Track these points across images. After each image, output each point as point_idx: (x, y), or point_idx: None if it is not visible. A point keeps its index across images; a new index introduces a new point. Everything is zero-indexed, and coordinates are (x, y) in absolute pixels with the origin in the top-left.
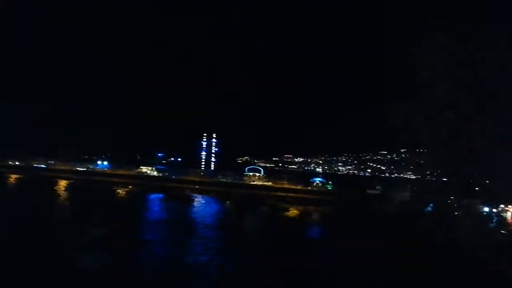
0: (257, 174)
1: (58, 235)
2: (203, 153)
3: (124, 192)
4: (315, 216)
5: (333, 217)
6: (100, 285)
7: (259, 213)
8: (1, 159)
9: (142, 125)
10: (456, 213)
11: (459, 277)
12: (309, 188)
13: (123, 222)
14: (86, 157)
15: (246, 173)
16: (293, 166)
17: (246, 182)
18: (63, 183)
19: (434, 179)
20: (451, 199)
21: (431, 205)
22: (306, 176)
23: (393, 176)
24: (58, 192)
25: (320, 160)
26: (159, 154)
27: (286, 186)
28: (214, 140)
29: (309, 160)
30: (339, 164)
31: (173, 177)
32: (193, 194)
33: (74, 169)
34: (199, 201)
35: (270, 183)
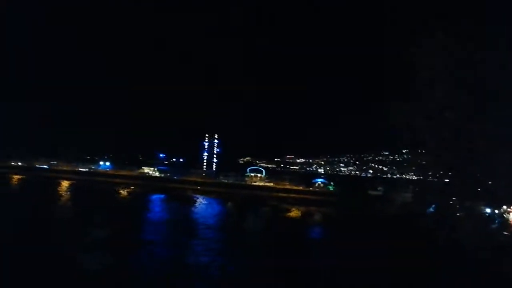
0: (259, 175)
1: (61, 235)
2: (205, 153)
3: (126, 193)
4: (317, 217)
5: (334, 218)
6: (102, 286)
7: (261, 214)
8: (4, 160)
9: (143, 125)
10: (458, 214)
11: (461, 278)
12: (311, 189)
13: (125, 222)
14: (88, 157)
15: (248, 174)
16: (295, 167)
17: (248, 183)
18: (65, 184)
19: (436, 180)
20: (453, 200)
21: (433, 206)
22: (308, 177)
23: (395, 177)
24: (61, 192)
25: (322, 161)
26: (161, 155)
27: (288, 187)
28: (215, 140)
29: (311, 161)
30: (341, 165)
31: (175, 177)
32: (194, 195)
33: (76, 169)
34: (200, 201)
35: (272, 184)
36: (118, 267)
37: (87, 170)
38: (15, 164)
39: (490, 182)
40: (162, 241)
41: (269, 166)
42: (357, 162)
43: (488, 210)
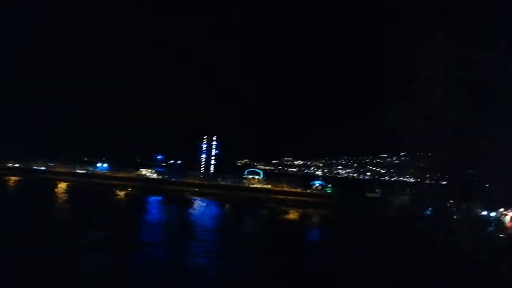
0: (257, 177)
1: (56, 237)
2: (203, 155)
3: (123, 195)
4: (315, 219)
5: (332, 220)
6: (99, 287)
7: (259, 216)
8: (1, 161)
9: (141, 126)
10: (455, 216)
11: (458, 280)
12: (308, 191)
13: (122, 224)
14: (86, 159)
15: (246, 176)
16: (292, 169)
17: (246, 185)
18: (62, 186)
19: (433, 182)
20: (450, 203)
21: (430, 208)
22: (305, 179)
23: (392, 179)
24: (58, 194)
25: (320, 163)
26: (159, 157)
27: (286, 189)
28: (213, 142)
29: (309, 163)
30: (339, 167)
31: (173, 179)
32: (192, 197)
33: (73, 171)
34: (198, 203)
35: (270, 186)
36: (115, 269)
37: (85, 171)
38: (12, 165)
39: (487, 185)
40: (159, 243)
41: (267, 168)
42: (355, 165)
43: (484, 213)
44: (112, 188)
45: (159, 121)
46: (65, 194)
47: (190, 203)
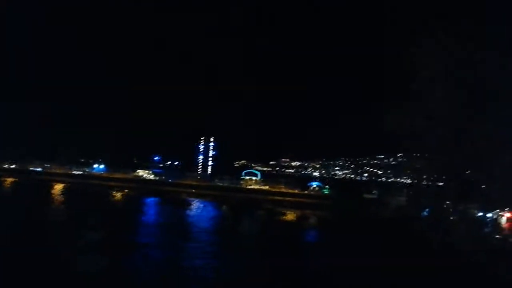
0: (254, 178)
1: (53, 238)
2: (200, 156)
3: (120, 196)
4: (312, 220)
5: (330, 221)
6: None
7: (256, 217)
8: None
9: (138, 127)
10: (451, 218)
11: (455, 281)
12: (306, 192)
13: (118, 225)
14: (83, 160)
15: (243, 177)
16: (290, 170)
17: (243, 186)
18: (59, 187)
19: (430, 183)
20: (447, 204)
21: (427, 209)
22: (303, 180)
23: (389, 180)
24: (54, 195)
25: (317, 164)
26: (156, 158)
27: (283, 190)
28: (211, 143)
29: (306, 164)
30: (336, 168)
31: (170, 180)
32: (189, 198)
33: (70, 172)
34: (195, 205)
35: (267, 187)
36: (111, 270)
37: (81, 173)
38: (8, 166)
39: (483, 186)
40: (155, 244)
41: (265, 169)
42: (352, 166)
43: (481, 214)
44: (109, 189)
45: (157, 122)
46: (62, 195)
47: (187, 204)
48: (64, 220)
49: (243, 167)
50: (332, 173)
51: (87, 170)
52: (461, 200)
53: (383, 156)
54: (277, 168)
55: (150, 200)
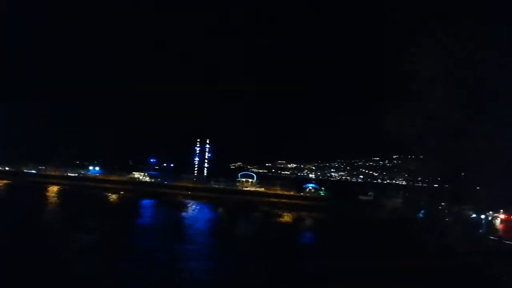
0: (250, 180)
1: (47, 241)
2: (196, 159)
3: (115, 198)
4: (308, 222)
5: (325, 223)
6: None
7: (252, 219)
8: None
9: (135, 129)
10: (446, 219)
11: (450, 282)
12: (302, 194)
13: (113, 228)
14: (78, 162)
15: (239, 179)
16: (286, 172)
17: (239, 188)
18: (54, 189)
19: (425, 185)
20: (442, 206)
21: (423, 211)
22: (299, 182)
23: (385, 182)
24: (48, 197)
25: (312, 166)
26: (152, 160)
27: (279, 192)
28: (207, 146)
29: (302, 166)
30: (332, 170)
31: (166, 183)
32: (185, 200)
33: (65, 174)
34: (191, 207)
35: (263, 189)
36: (105, 272)
37: (76, 175)
38: (3, 169)
39: (477, 188)
40: (151, 247)
41: (260, 171)
42: (347, 168)
43: (475, 216)
44: (104, 191)
45: (153, 123)
46: (56, 198)
47: (183, 206)
48: (57, 223)
49: (239, 169)
50: (328, 175)
51: (82, 172)
52: (456, 202)
53: (378, 158)
54: (273, 170)
55: (146, 202)
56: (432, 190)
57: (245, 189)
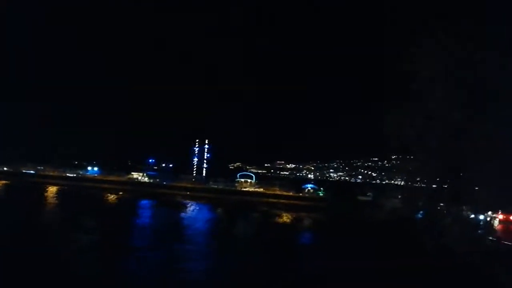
0: (249, 180)
1: (45, 241)
2: (195, 159)
3: (114, 198)
4: (307, 222)
5: (324, 224)
6: None
7: (251, 219)
8: None
9: (133, 129)
10: (445, 219)
11: (449, 282)
12: (300, 194)
13: (113, 228)
14: (76, 162)
15: (238, 179)
16: (285, 173)
17: (238, 188)
18: (52, 189)
19: (424, 186)
20: (440, 206)
21: (422, 212)
22: (297, 183)
23: (384, 182)
24: (47, 198)
25: (311, 167)
26: (150, 160)
27: (278, 192)
28: (206, 146)
29: (301, 166)
30: (331, 170)
31: (164, 183)
32: (184, 201)
33: (63, 175)
34: (190, 207)
35: (262, 190)
36: (104, 272)
37: (75, 175)
38: (1, 169)
39: (476, 188)
40: (150, 247)
41: (259, 171)
42: (346, 168)
43: (474, 216)
44: (103, 191)
45: (152, 124)
46: (54, 198)
47: (182, 207)
48: (55, 223)
49: (238, 169)
50: (327, 175)
51: (81, 172)
52: (455, 202)
53: (377, 159)
54: (272, 171)
55: (145, 202)
56: (431, 191)
57: (244, 189)
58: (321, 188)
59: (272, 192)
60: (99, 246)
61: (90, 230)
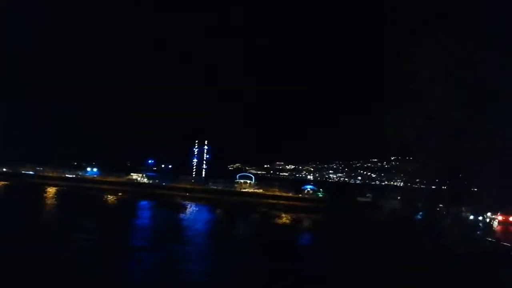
0: (248, 181)
1: (44, 242)
2: (194, 160)
3: (113, 199)
4: (306, 223)
5: (324, 225)
6: None
7: (250, 220)
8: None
9: (133, 130)
10: (445, 221)
11: (448, 283)
12: (300, 195)
13: (112, 229)
14: (75, 163)
15: (237, 180)
16: (284, 174)
17: (237, 189)
18: (51, 190)
19: (423, 187)
20: (440, 207)
21: (421, 213)
22: (297, 184)
23: (383, 183)
24: (46, 199)
25: (311, 168)
26: (150, 161)
27: (277, 193)
28: (205, 147)
29: (300, 167)
30: (330, 171)
31: (164, 184)
32: (183, 201)
33: (63, 175)
34: (189, 208)
35: (261, 190)
36: (104, 273)
37: (74, 176)
38: (0, 170)
39: (475, 189)
40: (149, 248)
41: (259, 172)
42: (346, 169)
43: (473, 217)
44: (102, 192)
45: (151, 124)
46: (53, 199)
47: (181, 208)
48: (55, 224)
49: (237, 170)
50: (326, 176)
51: (80, 173)
52: (454, 203)
53: (376, 160)
54: (271, 171)
55: (144, 203)
56: (430, 192)
57: (243, 190)
58: (321, 189)
59: (272, 193)
60: (98, 247)
61: (89, 231)
